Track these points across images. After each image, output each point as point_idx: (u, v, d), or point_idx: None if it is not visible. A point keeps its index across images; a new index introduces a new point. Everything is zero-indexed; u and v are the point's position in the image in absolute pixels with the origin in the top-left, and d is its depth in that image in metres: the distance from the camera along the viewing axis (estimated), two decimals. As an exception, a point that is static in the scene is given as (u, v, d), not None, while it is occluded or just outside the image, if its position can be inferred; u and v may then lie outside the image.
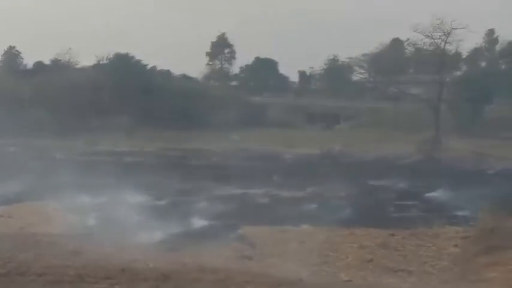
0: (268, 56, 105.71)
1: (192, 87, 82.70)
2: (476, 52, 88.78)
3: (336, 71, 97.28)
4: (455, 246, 20.91)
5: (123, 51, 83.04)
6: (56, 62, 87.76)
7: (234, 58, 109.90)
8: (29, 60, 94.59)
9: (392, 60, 73.73)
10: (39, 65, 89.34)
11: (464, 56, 79.83)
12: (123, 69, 73.98)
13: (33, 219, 23.91)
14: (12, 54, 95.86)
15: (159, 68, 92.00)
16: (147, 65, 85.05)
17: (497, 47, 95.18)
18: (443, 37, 61.58)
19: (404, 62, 75.04)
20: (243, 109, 72.45)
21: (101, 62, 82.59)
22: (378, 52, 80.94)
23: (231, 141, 57.02)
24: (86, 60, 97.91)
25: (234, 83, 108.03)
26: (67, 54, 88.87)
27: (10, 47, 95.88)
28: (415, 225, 23.34)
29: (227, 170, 40.32)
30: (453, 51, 66.89)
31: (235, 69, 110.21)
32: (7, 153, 43.36)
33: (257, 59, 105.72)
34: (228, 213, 26.65)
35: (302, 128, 74.16)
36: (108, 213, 22.77)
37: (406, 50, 75.60)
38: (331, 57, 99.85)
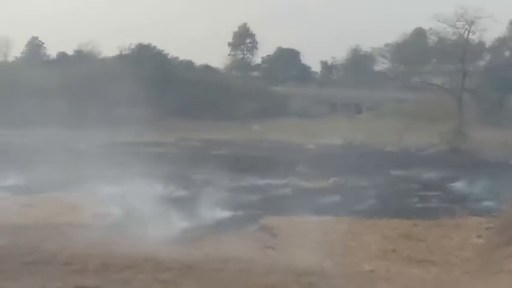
0: (291, 46, 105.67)
1: (214, 77, 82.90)
2: (500, 42, 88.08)
3: (359, 61, 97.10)
4: (479, 236, 20.83)
5: (145, 41, 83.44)
6: (78, 53, 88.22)
7: (256, 48, 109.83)
8: (52, 51, 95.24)
9: (415, 50, 73.31)
10: (62, 55, 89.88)
11: (487, 46, 79.26)
12: (145, 60, 74.20)
13: (57, 209, 24.11)
14: (36, 45, 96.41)
15: (181, 59, 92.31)
16: (169, 55, 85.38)
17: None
18: (466, 26, 61.21)
19: (427, 51, 74.57)
20: (265, 99, 72.62)
21: (123, 53, 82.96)
22: (400, 42, 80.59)
23: (253, 131, 57.14)
24: (108, 51, 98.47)
25: (256, 73, 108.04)
26: (89, 45, 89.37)
27: (33, 37, 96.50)
28: (438, 216, 23.31)
29: (249, 161, 40.43)
30: (476, 41, 66.47)
31: (257, 59, 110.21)
32: (31, 143, 43.64)
33: (279, 49, 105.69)
34: (250, 204, 26.74)
35: (324, 118, 74.00)
36: (131, 203, 22.89)
37: (429, 40, 75.18)
38: (354, 47, 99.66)
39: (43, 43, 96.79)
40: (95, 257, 14.98)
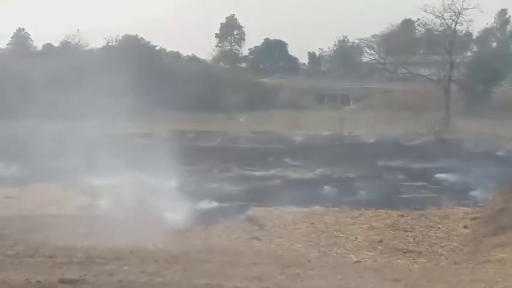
0: (278, 38, 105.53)
1: (201, 69, 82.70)
2: (487, 32, 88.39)
3: (346, 52, 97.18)
4: (465, 227, 20.86)
5: (132, 33, 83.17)
6: (65, 44, 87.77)
7: (244, 40, 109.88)
8: (38, 42, 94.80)
9: (402, 41, 73.41)
10: (48, 47, 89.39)
11: (474, 37, 79.53)
12: (132, 52, 73.90)
13: (42, 201, 23.98)
14: (22, 36, 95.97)
15: (168, 50, 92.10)
16: (156, 46, 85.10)
17: (509, 28, 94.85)
18: (453, 17, 61.33)
19: (414, 42, 74.70)
20: (252, 91, 72.51)
21: (110, 44, 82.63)
22: (388, 33, 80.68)
23: (240, 123, 57.07)
24: (94, 42, 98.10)
25: (243, 64, 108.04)
26: (76, 36, 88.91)
27: (19, 29, 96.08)
28: (424, 206, 23.30)
29: (236, 152, 40.41)
30: (464, 32, 66.65)
31: (244, 50, 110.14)
32: (16, 135, 43.45)
33: (266, 40, 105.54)
34: (237, 195, 26.70)
35: (312, 109, 74.05)
36: (118, 194, 22.75)
37: (417, 31, 75.31)
38: (341, 38, 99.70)
39: (29, 35, 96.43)
40: (80, 249, 14.91)
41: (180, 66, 79.03)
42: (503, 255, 16.12)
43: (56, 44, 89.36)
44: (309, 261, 15.68)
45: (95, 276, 12.16)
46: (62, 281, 11.49)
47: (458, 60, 65.58)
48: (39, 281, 11.45)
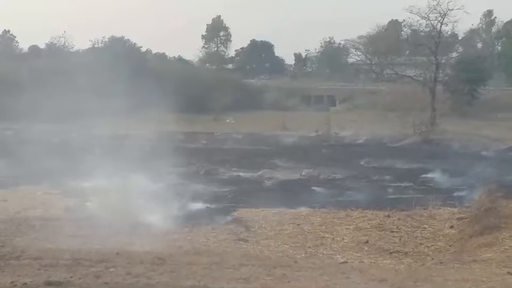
0: (264, 39, 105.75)
1: (187, 70, 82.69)
2: (472, 33, 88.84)
3: (332, 53, 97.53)
4: (451, 227, 20.94)
5: (118, 34, 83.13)
6: (51, 46, 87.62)
7: (230, 41, 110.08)
8: (24, 44, 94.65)
9: (388, 42, 73.62)
10: (34, 48, 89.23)
11: (460, 38, 79.90)
12: (119, 53, 73.83)
13: (28, 203, 23.87)
14: (7, 38, 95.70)
15: (154, 52, 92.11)
16: (141, 47, 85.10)
17: (494, 29, 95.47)
18: (439, 18, 61.51)
19: (400, 43, 74.93)
20: (238, 92, 72.53)
21: (96, 46, 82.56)
22: (374, 34, 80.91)
23: (227, 124, 57.08)
24: (80, 44, 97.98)
25: (229, 65, 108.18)
26: (62, 38, 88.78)
27: (5, 31, 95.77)
28: (410, 207, 23.36)
29: (223, 153, 40.39)
30: (449, 33, 66.95)
31: (231, 52, 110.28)
32: (2, 137, 43.25)
33: (253, 41, 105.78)
34: (224, 196, 26.67)
35: (298, 110, 74.16)
36: (104, 196, 22.71)
37: (403, 32, 75.57)
38: (327, 39, 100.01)
39: (15, 36, 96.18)
40: (66, 252, 14.88)
41: (167, 68, 78.90)
42: (489, 255, 16.22)
43: (42, 45, 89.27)
44: (295, 262, 15.69)
45: (81, 278, 12.16)
46: (48, 284, 11.48)
47: (443, 61, 65.74)
48: (25, 284, 11.44)
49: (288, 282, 12.83)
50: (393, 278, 13.56)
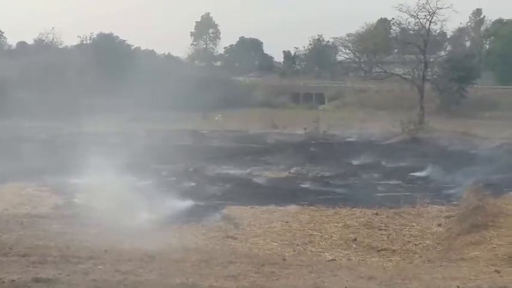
0: (253, 36, 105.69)
1: (176, 67, 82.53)
2: (461, 32, 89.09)
3: (321, 51, 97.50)
4: (439, 225, 21.04)
5: (106, 31, 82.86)
6: (39, 42, 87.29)
7: (219, 38, 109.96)
8: (12, 40, 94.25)
9: (377, 40, 73.79)
10: (22, 45, 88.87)
11: (448, 36, 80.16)
12: (107, 50, 73.62)
13: (16, 200, 23.82)
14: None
15: (143, 48, 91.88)
16: (131, 44, 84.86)
17: (482, 27, 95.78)
18: (428, 17, 61.69)
19: (389, 42, 75.11)
20: (227, 89, 72.44)
21: (84, 42, 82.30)
22: (363, 32, 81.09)
23: (216, 121, 57.01)
24: (69, 40, 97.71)
25: (218, 63, 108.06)
26: (50, 34, 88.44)
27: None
28: (399, 205, 23.42)
29: (211, 151, 40.35)
30: (438, 31, 67.15)
31: (219, 49, 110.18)
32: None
33: (242, 39, 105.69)
34: (213, 194, 26.66)
35: (287, 108, 74.22)
36: (93, 193, 22.69)
37: (392, 30, 75.74)
38: (316, 37, 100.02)
39: (3, 32, 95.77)
40: (54, 248, 14.85)
41: (155, 65, 78.78)
42: (476, 253, 16.28)
43: (30, 42, 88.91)
44: (284, 259, 15.72)
45: (69, 275, 12.13)
46: (36, 280, 11.45)
47: (432, 59, 65.99)
48: (13, 280, 11.40)
49: (277, 279, 12.84)
50: (381, 276, 13.59)
